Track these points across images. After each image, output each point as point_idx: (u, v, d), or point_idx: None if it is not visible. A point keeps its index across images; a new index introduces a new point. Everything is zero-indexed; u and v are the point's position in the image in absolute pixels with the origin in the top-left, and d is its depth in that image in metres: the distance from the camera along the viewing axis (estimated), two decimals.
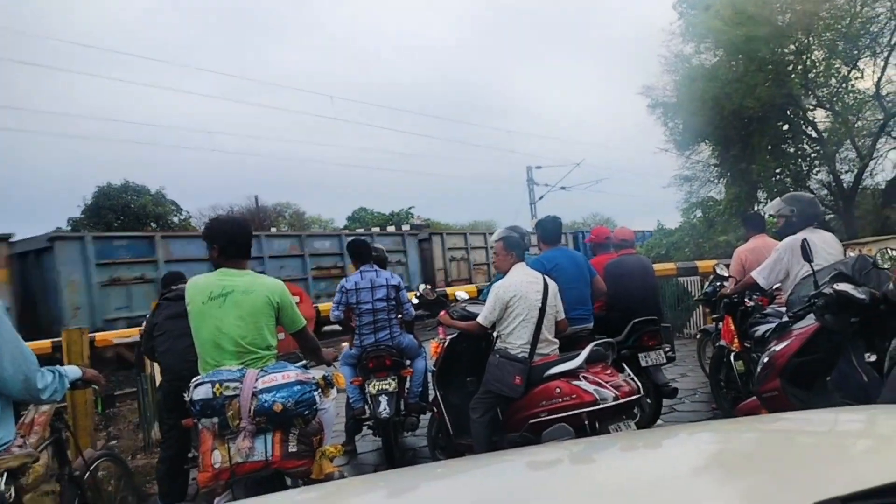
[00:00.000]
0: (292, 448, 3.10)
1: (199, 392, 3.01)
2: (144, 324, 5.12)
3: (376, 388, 5.12)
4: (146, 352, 5.10)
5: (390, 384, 5.14)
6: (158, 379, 5.37)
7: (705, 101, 14.24)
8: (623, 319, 5.49)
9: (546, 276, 4.52)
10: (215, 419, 3.01)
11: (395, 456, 5.24)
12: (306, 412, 3.11)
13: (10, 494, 2.64)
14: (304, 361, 3.66)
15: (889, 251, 4.03)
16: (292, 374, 3.16)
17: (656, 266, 7.40)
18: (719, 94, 14.00)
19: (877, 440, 1.54)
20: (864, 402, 3.23)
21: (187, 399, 3.05)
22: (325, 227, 38.11)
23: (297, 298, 4.22)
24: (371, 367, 5.24)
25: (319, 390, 3.24)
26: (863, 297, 3.53)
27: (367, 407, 5.30)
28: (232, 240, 3.40)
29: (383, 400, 5.07)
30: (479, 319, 4.34)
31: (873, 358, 3.54)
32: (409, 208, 41.47)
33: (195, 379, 3.10)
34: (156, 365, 5.51)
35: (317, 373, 3.40)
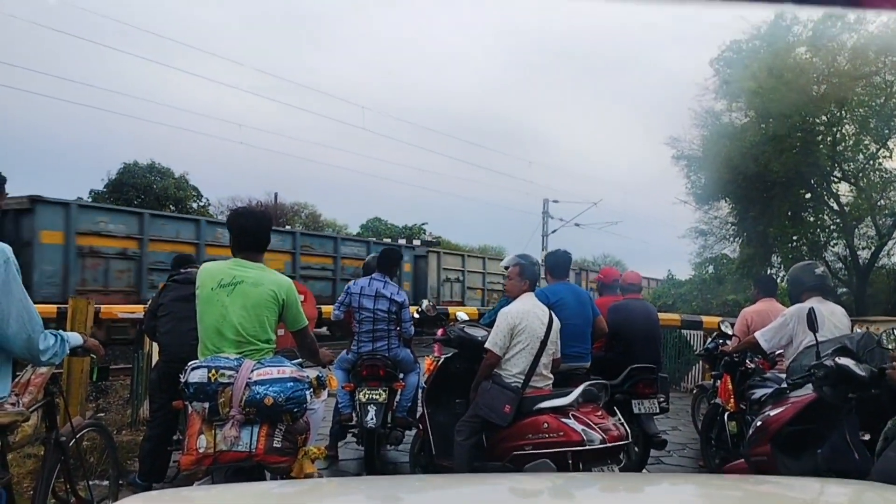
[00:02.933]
0: (277, 443, 3.11)
1: (195, 375, 3.04)
2: (150, 302, 5.18)
3: (367, 396, 5.13)
4: (147, 331, 5.15)
5: (381, 395, 5.15)
6: (155, 358, 5.41)
7: (730, 160, 14.28)
8: (621, 363, 5.48)
9: (552, 311, 4.54)
10: (206, 404, 3.03)
11: (375, 467, 5.24)
12: (296, 409, 3.13)
13: None
14: (300, 360, 3.69)
15: (895, 332, 4.03)
16: (287, 369, 3.19)
17: (661, 315, 7.39)
18: (745, 154, 14.04)
19: None
20: (851, 479, 3.22)
21: (182, 381, 3.08)
22: (340, 231, 38.21)
23: (301, 297, 4.27)
24: (364, 374, 5.26)
25: (311, 389, 3.26)
26: (863, 373, 3.53)
27: (354, 414, 5.30)
28: (247, 231, 3.46)
29: (371, 409, 5.07)
30: (489, 345, 4.30)
31: (867, 437, 3.53)
32: (423, 224, 41.66)
33: (192, 362, 3.14)
34: (154, 344, 5.56)
35: (311, 372, 3.43)
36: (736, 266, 15.06)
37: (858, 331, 4.48)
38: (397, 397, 5.49)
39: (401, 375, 5.50)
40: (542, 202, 30.41)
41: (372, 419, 5.06)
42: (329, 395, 4.43)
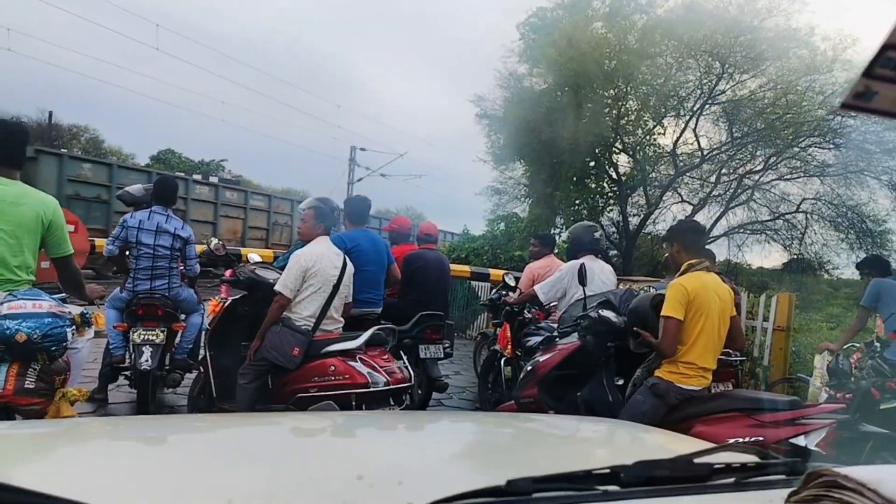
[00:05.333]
0: (29, 384, 2.80)
1: None
2: None
3: (141, 337, 4.77)
4: None
5: (158, 335, 4.82)
6: None
7: (528, 123, 15.03)
8: (412, 310, 5.63)
9: (346, 255, 4.52)
10: None
11: (149, 411, 4.92)
12: (53, 348, 2.83)
13: None
14: (63, 295, 3.32)
15: (652, 289, 4.54)
16: (45, 304, 2.87)
17: (453, 266, 7.69)
18: (541, 119, 14.85)
19: (591, 442, 1.78)
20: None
21: None
22: (126, 160, 34.90)
23: (71, 227, 3.83)
24: (140, 314, 4.88)
25: (74, 327, 2.96)
26: (621, 325, 3.94)
27: (127, 355, 4.94)
28: (1, 145, 3.01)
29: (147, 351, 4.73)
30: (280, 288, 4.19)
31: (621, 382, 3.96)
32: (222, 160, 39.38)
33: None
34: None
35: (75, 308, 3.11)
36: (525, 225, 16.01)
37: (623, 288, 4.99)
38: (177, 339, 5.19)
39: (182, 316, 5.19)
40: (349, 149, 30.13)
41: (147, 360, 4.72)
42: (98, 334, 4.06)
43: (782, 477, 1.08)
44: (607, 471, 0.95)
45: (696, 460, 1.05)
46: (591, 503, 0.93)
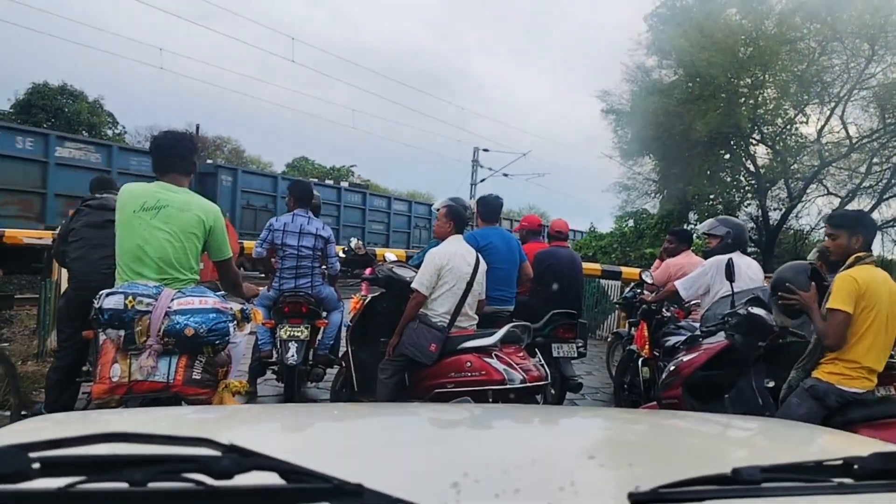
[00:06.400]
0: (196, 375, 3.02)
1: (110, 301, 2.89)
2: (59, 227, 4.89)
3: (288, 333, 5.05)
4: (56, 255, 4.86)
5: (302, 332, 5.08)
6: (64, 286, 5.14)
7: (657, 116, 14.55)
8: (544, 308, 5.59)
9: (479, 253, 4.56)
10: (122, 332, 2.90)
11: (295, 403, 5.20)
12: (217, 342, 3.04)
13: None
14: (223, 292, 3.57)
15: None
16: (210, 300, 3.08)
17: (584, 265, 7.56)
18: (671, 112, 14.33)
19: (746, 442, 1.69)
20: None
21: (95, 307, 2.93)
22: (264, 169, 37.07)
23: None
24: (286, 311, 5.17)
25: (235, 322, 3.17)
26: (773, 322, 3.71)
27: (275, 351, 5.23)
28: (171, 153, 3.30)
29: (293, 346, 5.01)
30: (415, 285, 4.30)
31: (771, 384, 3.73)
32: (351, 166, 40.97)
33: (107, 290, 2.99)
34: (64, 272, 5.27)
35: (235, 305, 3.33)
36: (655, 221, 15.50)
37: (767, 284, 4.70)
38: (319, 335, 5.44)
39: (324, 313, 5.44)
40: (472, 150, 30.43)
41: (293, 356, 4.99)
42: (250, 331, 4.34)
43: None
44: (840, 462, 0.91)
45: None
46: (822, 495, 0.88)
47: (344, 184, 24.23)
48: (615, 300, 10.36)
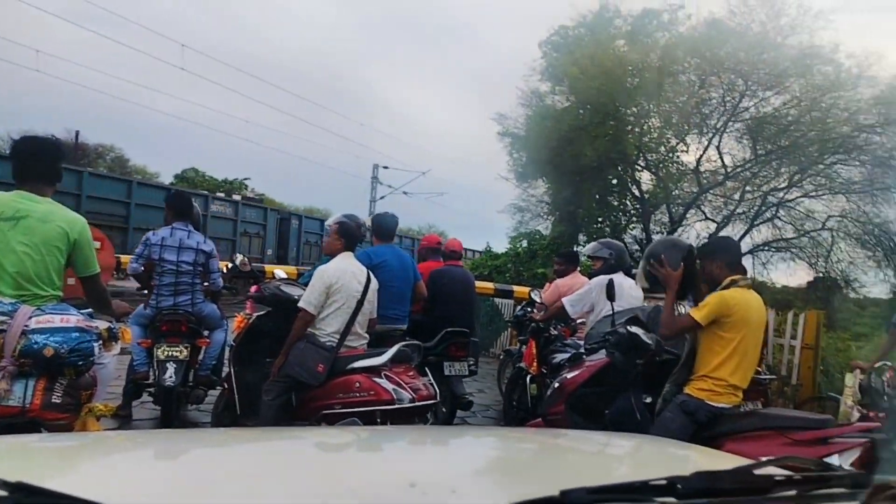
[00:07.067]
0: (56, 399, 2.79)
1: None
2: None
3: (165, 353, 4.77)
4: None
5: (181, 351, 4.82)
6: None
7: (550, 141, 15.01)
8: (437, 326, 5.60)
9: (370, 271, 4.50)
10: None
11: (173, 427, 4.91)
12: (80, 363, 2.82)
13: None
14: (90, 310, 3.32)
15: (680, 307, 4.44)
16: (73, 318, 2.87)
17: (477, 283, 7.64)
18: (563, 137, 14.82)
19: (629, 456, 1.75)
20: None
21: None
22: (151, 179, 35.38)
23: (97, 244, 3.84)
24: (164, 330, 4.88)
25: (101, 342, 2.96)
26: (649, 342, 3.85)
27: (151, 372, 4.93)
28: (36, 160, 3.06)
29: (170, 367, 4.74)
30: (303, 304, 4.18)
31: (649, 399, 3.87)
32: (245, 178, 39.78)
33: None
34: None
35: (101, 323, 3.10)
36: (547, 242, 15.93)
37: (649, 305, 4.90)
38: (201, 355, 5.19)
39: (205, 332, 5.18)
40: (371, 167, 30.38)
41: (171, 377, 4.72)
42: (123, 351, 4.06)
43: (846, 490, 1.03)
44: (664, 482, 0.91)
45: (757, 472, 1.01)
46: None
47: (237, 197, 23.49)
48: (507, 318, 10.54)
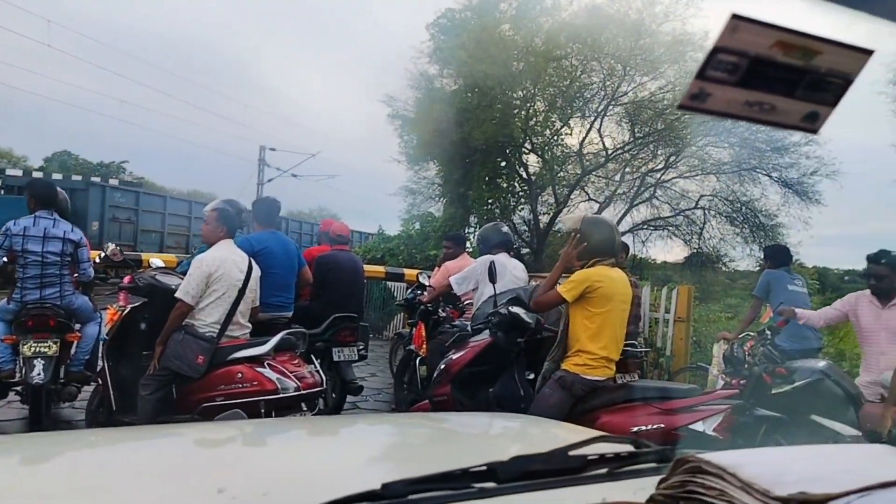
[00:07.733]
0: None
1: None
2: None
3: (32, 349, 4.49)
4: None
5: (50, 347, 4.55)
6: None
7: (439, 124, 15.08)
8: (325, 312, 5.54)
9: (252, 259, 4.39)
10: None
11: (43, 426, 4.63)
12: None
13: None
14: None
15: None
16: None
17: (368, 267, 7.63)
18: (452, 120, 14.93)
19: (482, 438, 1.81)
20: (519, 413, 3.65)
21: None
22: (17, 163, 32.80)
23: None
24: (30, 325, 4.58)
25: None
26: (530, 320, 4.00)
27: (17, 370, 4.63)
28: None
29: (38, 364, 4.46)
30: (180, 294, 4.03)
31: (532, 376, 4.03)
32: (122, 162, 37.69)
33: None
34: None
35: None
36: (439, 224, 16.06)
37: (533, 283, 5.08)
38: (72, 350, 4.91)
39: (76, 326, 4.91)
40: (258, 149, 29.39)
41: (39, 374, 4.46)
42: None
43: (653, 465, 1.11)
44: (484, 468, 0.95)
45: (571, 453, 1.07)
46: (468, 501, 0.92)
47: (113, 181, 22.16)
48: (399, 301, 10.60)
